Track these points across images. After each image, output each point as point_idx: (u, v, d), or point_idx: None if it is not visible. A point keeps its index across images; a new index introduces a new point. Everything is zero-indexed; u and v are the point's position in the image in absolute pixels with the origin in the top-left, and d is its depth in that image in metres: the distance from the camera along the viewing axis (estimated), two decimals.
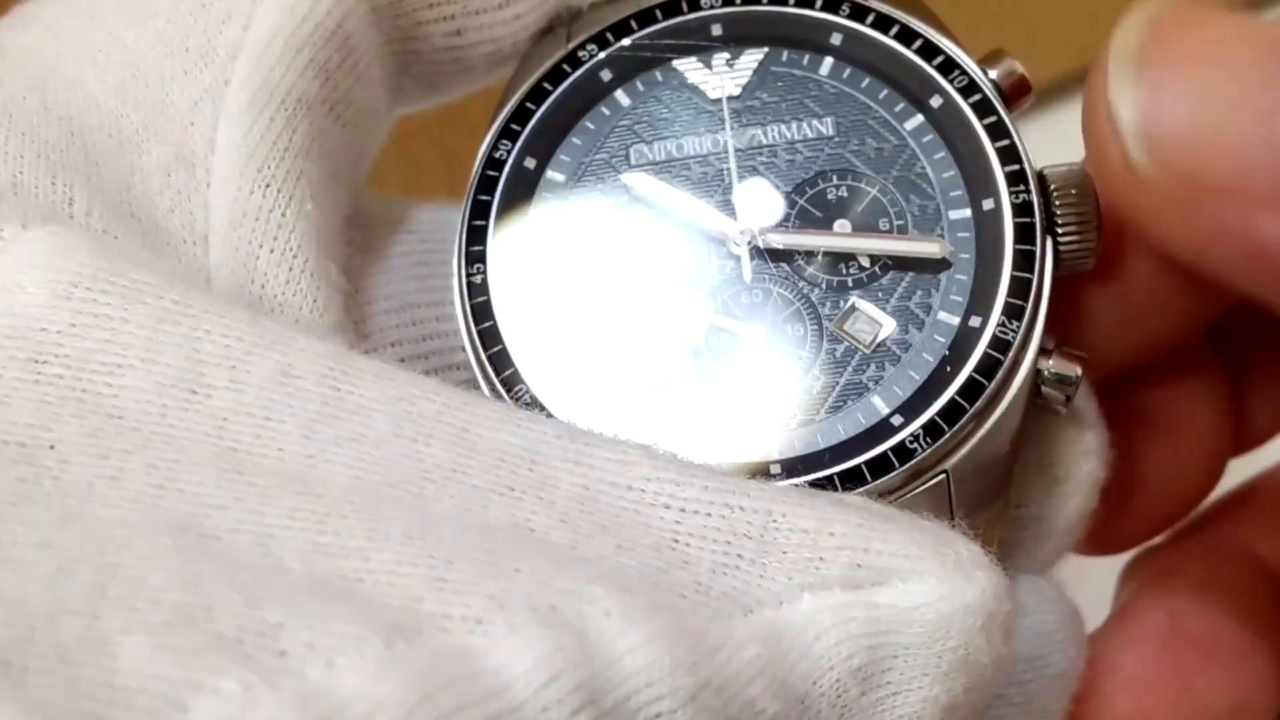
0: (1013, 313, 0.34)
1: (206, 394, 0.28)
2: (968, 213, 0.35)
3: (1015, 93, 0.36)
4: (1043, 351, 0.34)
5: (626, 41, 0.37)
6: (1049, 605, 0.36)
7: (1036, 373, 0.34)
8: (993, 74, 0.36)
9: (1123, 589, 0.43)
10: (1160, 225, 0.31)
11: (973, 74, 0.36)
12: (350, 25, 0.34)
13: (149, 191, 0.33)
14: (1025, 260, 0.34)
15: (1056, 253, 0.35)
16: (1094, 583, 0.41)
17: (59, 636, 0.22)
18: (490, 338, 0.35)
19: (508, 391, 0.34)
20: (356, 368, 0.29)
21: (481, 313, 0.35)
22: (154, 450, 0.27)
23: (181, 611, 0.23)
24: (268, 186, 0.33)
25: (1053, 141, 0.37)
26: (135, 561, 0.24)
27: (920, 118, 0.36)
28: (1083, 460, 0.36)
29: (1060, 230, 0.35)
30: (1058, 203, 0.35)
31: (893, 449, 0.33)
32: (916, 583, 0.29)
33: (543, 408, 0.34)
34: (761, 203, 0.36)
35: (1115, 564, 0.44)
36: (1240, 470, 0.45)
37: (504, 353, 0.35)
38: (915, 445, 0.33)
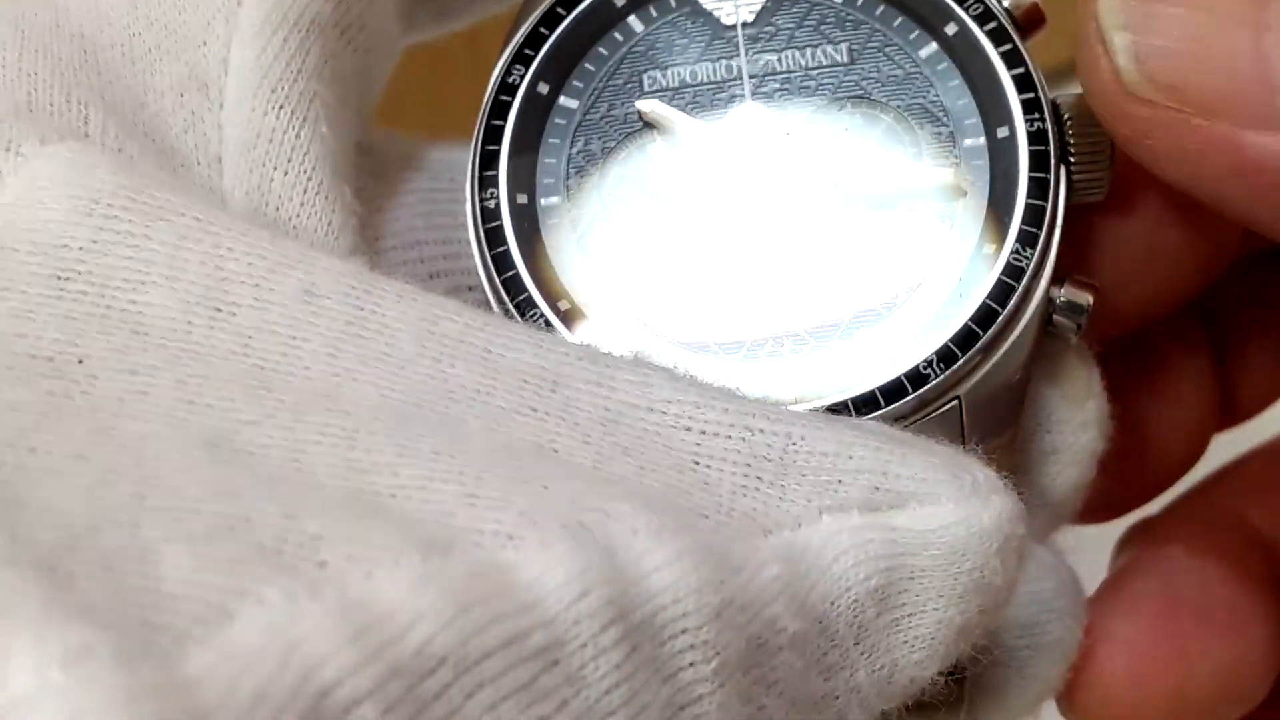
0: (1027, 240, 0.34)
1: (231, 312, 0.28)
2: (982, 140, 0.35)
3: (1029, 22, 0.36)
4: (1054, 280, 0.34)
5: None
6: (1047, 572, 0.36)
7: (1049, 300, 0.34)
8: (1006, 2, 0.36)
9: (1118, 558, 0.43)
10: (1150, 142, 0.32)
11: (988, 2, 0.36)
12: None
13: (162, 111, 0.33)
14: (1040, 188, 0.34)
15: (1069, 181, 0.35)
16: (1089, 553, 0.41)
17: (102, 545, 0.22)
18: (503, 263, 0.35)
19: (522, 316, 0.34)
20: (379, 287, 0.29)
21: (494, 237, 0.35)
22: (182, 366, 0.27)
23: (221, 521, 0.23)
24: (281, 108, 0.33)
25: None
26: (171, 474, 0.24)
27: (934, 45, 0.36)
28: (1081, 431, 0.36)
29: (1073, 158, 0.35)
30: (1070, 131, 0.35)
31: (906, 374, 0.33)
32: (933, 506, 0.30)
33: (556, 332, 0.34)
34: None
35: (1112, 533, 0.44)
36: (1229, 450, 0.45)
37: (517, 278, 0.35)
38: (929, 371, 0.33)
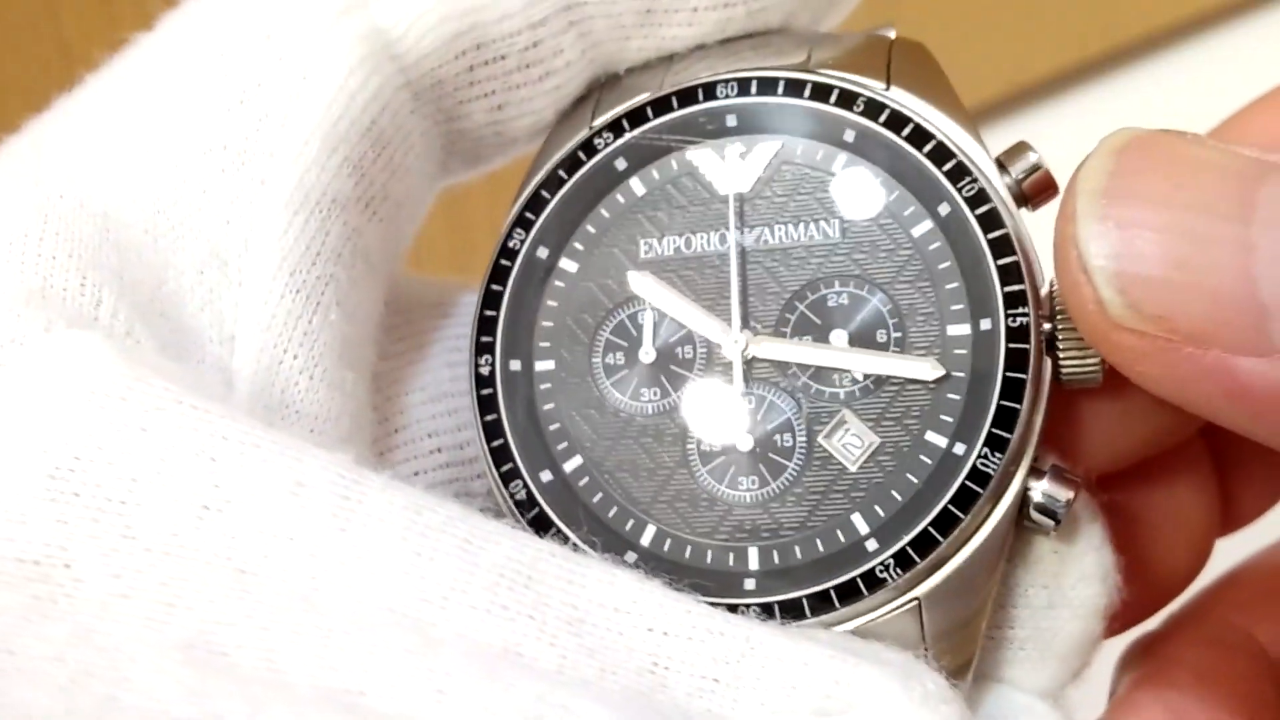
0: (996, 444, 0.34)
1: (219, 509, 0.29)
2: (967, 329, 0.35)
3: (1036, 190, 0.36)
4: (1035, 472, 0.34)
5: (642, 130, 0.38)
6: None
7: (1024, 495, 0.34)
8: (1014, 169, 0.36)
9: (1120, 677, 0.43)
10: (1139, 368, 0.31)
11: (983, 181, 0.35)
12: (386, 119, 0.35)
13: (180, 289, 0.34)
14: (1015, 389, 0.34)
15: (1057, 372, 0.34)
16: (1092, 668, 0.40)
17: None
18: (493, 430, 0.36)
19: (506, 485, 0.36)
20: (366, 477, 0.30)
21: (487, 405, 0.36)
22: (165, 568, 0.28)
23: None
24: (298, 292, 0.34)
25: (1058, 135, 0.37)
26: (146, 675, 0.26)
27: (930, 223, 0.36)
28: (1081, 585, 0.36)
29: (1061, 350, 0.34)
30: (1060, 321, 0.34)
31: (862, 576, 0.34)
32: (882, 715, 0.30)
33: (536, 504, 0.35)
34: (760, 308, 0.36)
35: (1111, 648, 0.44)
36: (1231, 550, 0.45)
37: (506, 446, 0.36)
38: (885, 575, 0.33)
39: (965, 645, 0.34)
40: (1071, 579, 0.36)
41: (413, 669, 0.28)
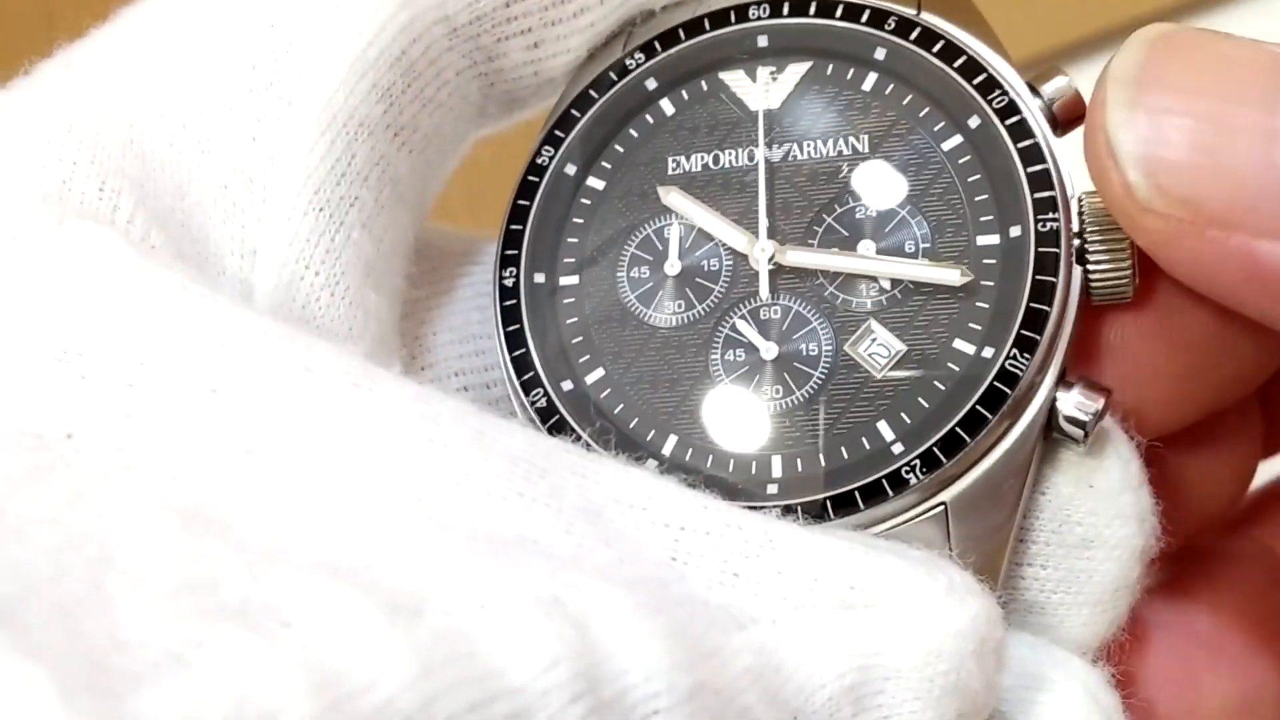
0: (1025, 345, 0.33)
1: (227, 392, 0.29)
2: (996, 239, 0.34)
3: (1067, 113, 0.35)
4: (1064, 384, 0.34)
5: (674, 51, 0.38)
6: (1075, 686, 0.34)
7: (1052, 406, 0.33)
8: (1045, 92, 0.35)
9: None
10: (1164, 251, 0.31)
11: (1014, 94, 0.35)
12: (417, 51, 0.35)
13: (203, 202, 0.34)
14: (1044, 292, 0.34)
15: (1087, 283, 0.34)
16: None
17: (61, 596, 0.23)
18: (515, 340, 0.36)
19: (527, 394, 0.35)
20: (376, 372, 0.30)
21: (510, 315, 0.36)
22: (169, 445, 0.28)
23: (186, 581, 0.24)
24: (320, 210, 0.34)
25: None
26: (142, 537, 0.25)
27: (959, 137, 0.35)
28: (1117, 523, 0.35)
29: (1091, 259, 0.34)
30: (1090, 230, 0.34)
31: (888, 477, 0.33)
32: (908, 606, 0.30)
33: (556, 412, 0.35)
34: (788, 219, 0.36)
35: None
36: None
37: (527, 355, 0.36)
38: (910, 475, 0.33)
39: (992, 557, 0.33)
40: (1107, 516, 0.35)
41: (420, 548, 0.27)
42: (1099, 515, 0.35)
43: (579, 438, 0.35)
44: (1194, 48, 0.31)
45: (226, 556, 0.25)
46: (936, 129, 0.36)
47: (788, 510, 0.33)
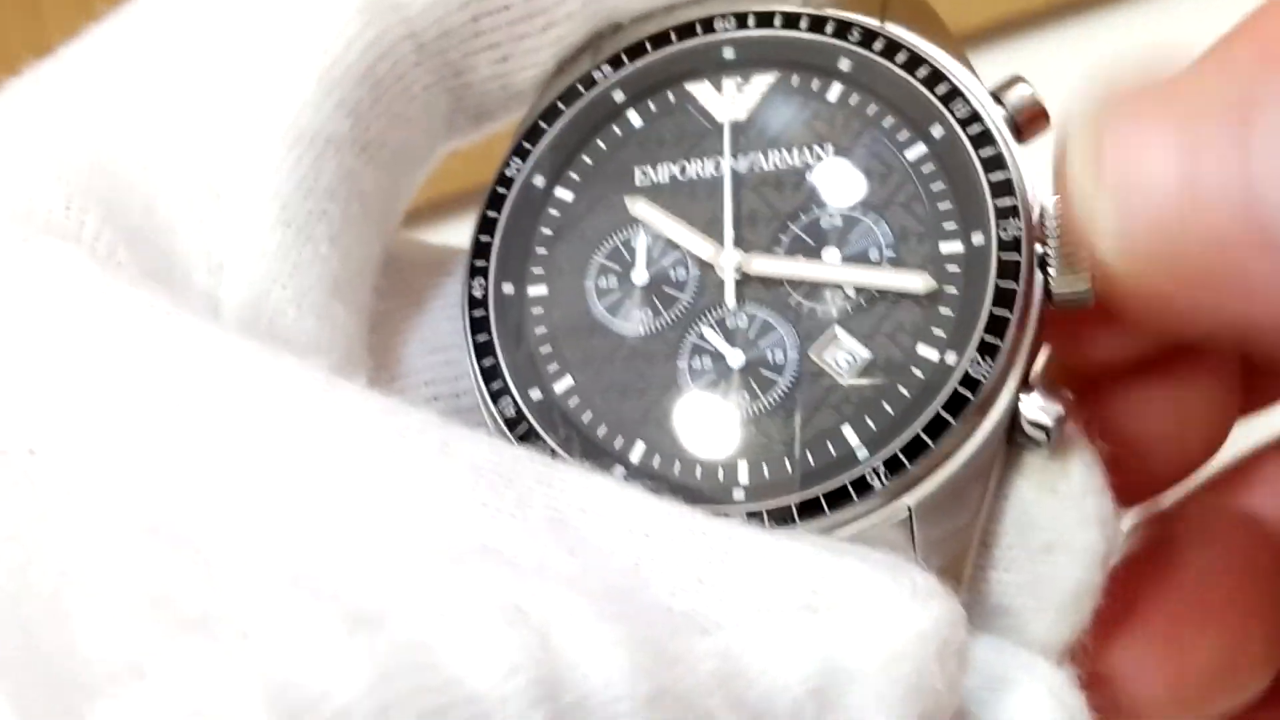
0: (988, 350, 0.34)
1: (191, 405, 0.29)
2: (959, 246, 0.35)
3: (1030, 121, 0.36)
4: (1027, 389, 0.34)
5: (641, 63, 0.38)
6: (1040, 688, 0.34)
7: (1015, 411, 0.34)
8: (1007, 101, 0.36)
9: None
10: (1160, 315, 0.31)
11: (976, 104, 0.36)
12: (384, 67, 0.35)
13: (170, 219, 0.34)
14: (1006, 298, 0.34)
15: (1049, 289, 0.34)
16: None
17: (20, 612, 0.23)
18: (484, 350, 0.36)
19: (495, 403, 0.36)
20: (341, 385, 0.30)
21: (478, 325, 0.36)
22: (134, 459, 0.28)
23: (146, 594, 0.24)
24: (287, 226, 0.34)
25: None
26: (104, 553, 0.25)
27: (923, 147, 0.36)
28: (1079, 528, 0.35)
29: (1052, 270, 0.34)
30: (1052, 243, 0.34)
31: (852, 482, 0.33)
32: (872, 609, 0.30)
33: (526, 421, 0.35)
34: (754, 229, 0.36)
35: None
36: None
37: (496, 365, 0.36)
38: (874, 479, 0.33)
39: (957, 561, 0.34)
40: (1070, 521, 0.35)
41: (383, 558, 0.27)
42: (1062, 520, 0.35)
43: (547, 446, 0.35)
44: (1142, 119, 0.31)
45: (187, 569, 0.25)
46: (900, 138, 0.36)
47: (754, 516, 0.33)
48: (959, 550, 0.34)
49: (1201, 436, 0.42)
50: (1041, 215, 0.35)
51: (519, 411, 0.36)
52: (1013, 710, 0.33)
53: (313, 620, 0.24)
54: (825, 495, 0.33)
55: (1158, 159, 0.30)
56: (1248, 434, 0.45)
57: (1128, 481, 0.38)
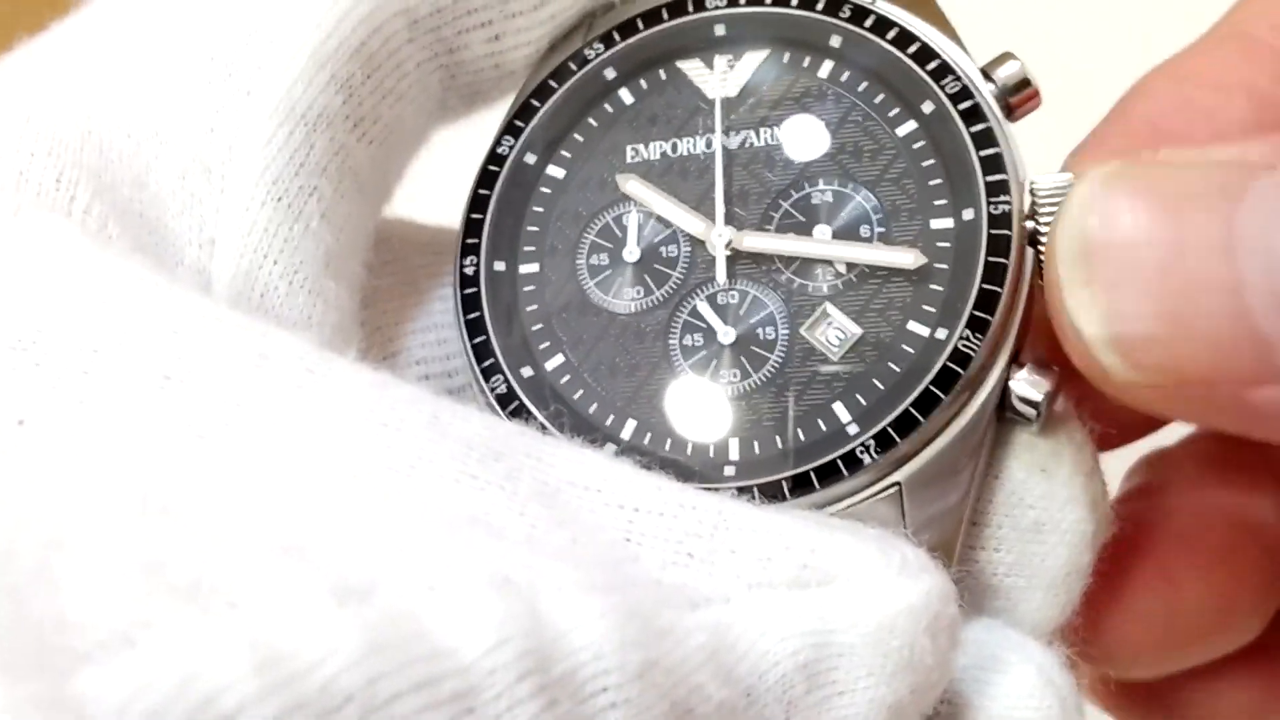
0: (978, 326, 0.34)
1: (181, 379, 0.29)
2: (950, 222, 0.35)
3: (1020, 97, 0.36)
4: (1017, 365, 0.34)
5: (632, 40, 0.38)
6: (1030, 668, 0.34)
7: (1005, 386, 0.34)
8: (998, 78, 0.36)
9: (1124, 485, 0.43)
10: (1156, 409, 0.31)
11: (966, 80, 0.36)
12: (377, 42, 0.35)
13: (161, 193, 0.34)
14: (996, 273, 0.34)
15: (1039, 266, 0.34)
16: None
17: (9, 578, 0.23)
18: (476, 328, 0.36)
19: (487, 380, 0.36)
20: (331, 358, 0.30)
21: (470, 303, 0.36)
22: (123, 432, 0.28)
23: (136, 563, 0.24)
24: (279, 200, 0.34)
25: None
26: (92, 521, 0.25)
27: (914, 123, 0.36)
28: (1069, 508, 0.35)
29: (1043, 243, 0.34)
30: (1042, 214, 0.34)
31: (842, 457, 0.33)
32: (861, 583, 0.30)
33: (516, 398, 0.35)
34: (745, 206, 0.36)
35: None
36: None
37: (488, 343, 0.36)
38: (865, 455, 0.33)
39: (947, 537, 0.33)
40: (1059, 501, 0.35)
41: (373, 530, 0.27)
42: (1052, 500, 0.35)
43: (538, 422, 0.35)
44: (1132, 201, 0.30)
45: (176, 539, 0.25)
46: (891, 115, 0.36)
47: (744, 492, 0.33)
48: (950, 527, 0.34)
49: None
50: (1033, 192, 0.35)
51: (510, 389, 0.35)
52: (1003, 691, 0.33)
53: (302, 590, 0.24)
54: (816, 471, 0.33)
55: (1143, 302, 0.30)
56: None
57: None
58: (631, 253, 0.37)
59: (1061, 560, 0.35)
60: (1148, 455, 0.43)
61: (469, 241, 0.37)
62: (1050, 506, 0.35)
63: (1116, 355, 0.30)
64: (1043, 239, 0.34)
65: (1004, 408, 0.34)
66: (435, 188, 0.41)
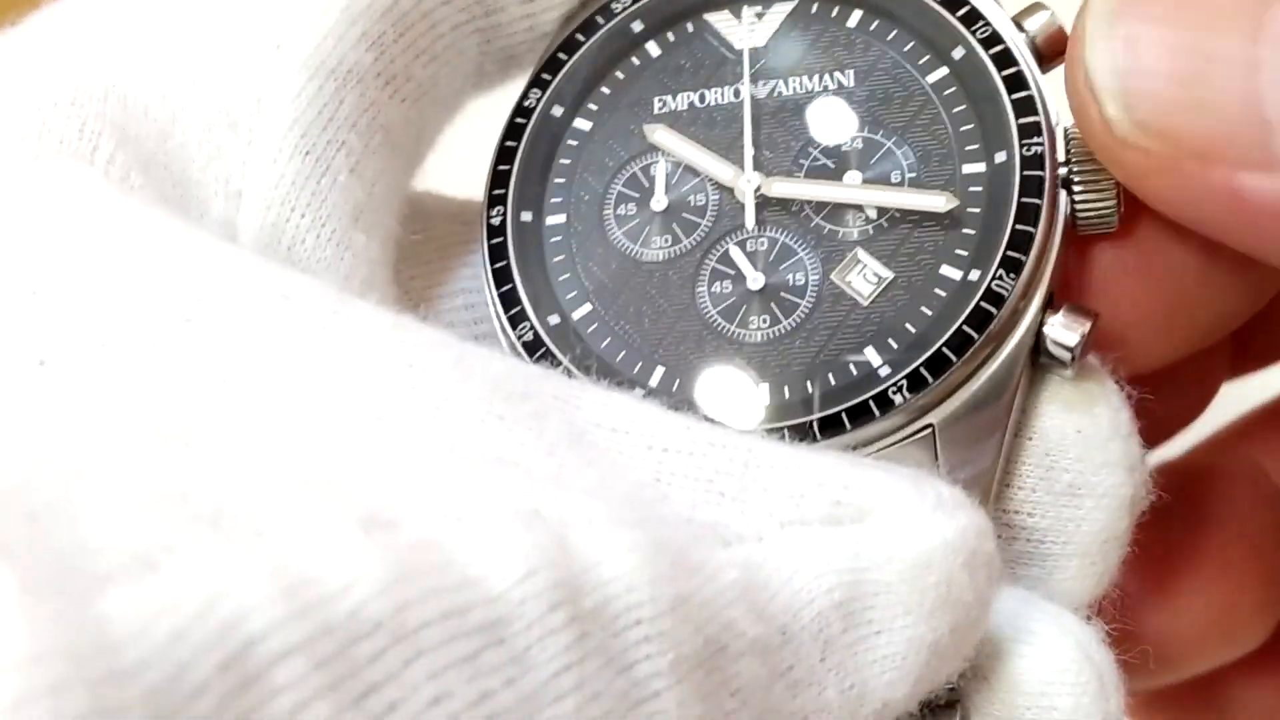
0: (1011, 266, 0.33)
1: (202, 320, 0.29)
2: (982, 166, 0.34)
3: (1051, 46, 0.35)
4: (1051, 308, 0.33)
5: None
6: (1067, 641, 0.33)
7: (1039, 330, 0.33)
8: (1029, 27, 0.36)
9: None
10: (1145, 185, 0.31)
11: (997, 26, 0.35)
12: (409, 3, 0.35)
13: (186, 144, 0.34)
14: (1029, 214, 0.33)
15: (1073, 211, 0.34)
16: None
17: (29, 502, 0.23)
18: (502, 276, 0.36)
19: (513, 328, 0.35)
20: (354, 300, 0.30)
21: (497, 253, 0.36)
22: (144, 372, 0.28)
23: (158, 492, 0.24)
24: (306, 154, 0.34)
25: None
26: (115, 454, 0.25)
27: (945, 70, 0.36)
28: (1105, 472, 0.34)
29: (1076, 187, 0.34)
30: (1075, 158, 0.34)
31: (874, 398, 0.33)
32: (896, 519, 0.30)
33: (544, 345, 0.35)
34: (774, 153, 0.36)
35: None
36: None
37: (514, 291, 0.36)
38: (897, 395, 0.33)
39: (982, 481, 0.33)
40: (1094, 464, 0.34)
41: (399, 464, 0.27)
42: (1086, 462, 0.34)
43: (564, 367, 0.35)
44: None
45: (199, 470, 0.25)
46: (921, 62, 0.36)
47: (774, 433, 0.33)
48: (984, 471, 0.33)
49: (1191, 385, 0.42)
50: (1066, 134, 0.34)
51: (536, 335, 0.35)
52: (1040, 664, 0.32)
53: (327, 520, 0.24)
54: (847, 411, 0.33)
55: (1162, 59, 0.30)
56: (1246, 394, 0.44)
57: None
58: (659, 201, 0.36)
59: (1099, 526, 0.34)
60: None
61: (496, 193, 0.37)
62: (1086, 470, 0.34)
63: (1123, 108, 0.30)
64: (1076, 184, 0.34)
65: (1038, 352, 0.34)
66: (465, 164, 0.41)
